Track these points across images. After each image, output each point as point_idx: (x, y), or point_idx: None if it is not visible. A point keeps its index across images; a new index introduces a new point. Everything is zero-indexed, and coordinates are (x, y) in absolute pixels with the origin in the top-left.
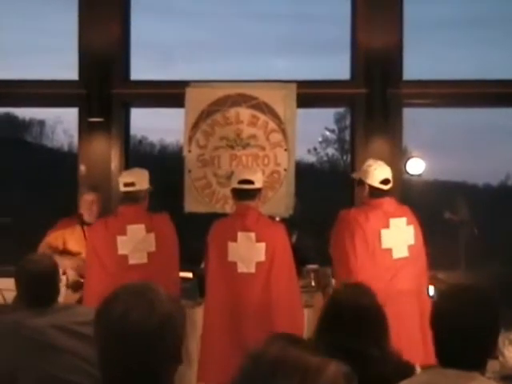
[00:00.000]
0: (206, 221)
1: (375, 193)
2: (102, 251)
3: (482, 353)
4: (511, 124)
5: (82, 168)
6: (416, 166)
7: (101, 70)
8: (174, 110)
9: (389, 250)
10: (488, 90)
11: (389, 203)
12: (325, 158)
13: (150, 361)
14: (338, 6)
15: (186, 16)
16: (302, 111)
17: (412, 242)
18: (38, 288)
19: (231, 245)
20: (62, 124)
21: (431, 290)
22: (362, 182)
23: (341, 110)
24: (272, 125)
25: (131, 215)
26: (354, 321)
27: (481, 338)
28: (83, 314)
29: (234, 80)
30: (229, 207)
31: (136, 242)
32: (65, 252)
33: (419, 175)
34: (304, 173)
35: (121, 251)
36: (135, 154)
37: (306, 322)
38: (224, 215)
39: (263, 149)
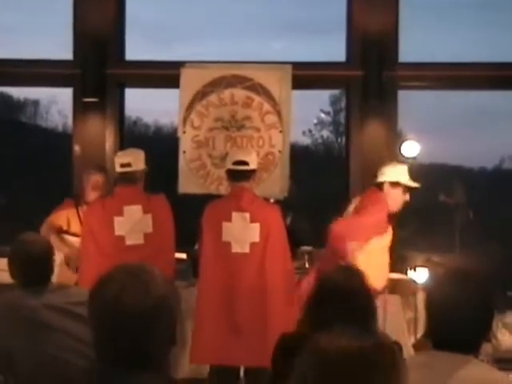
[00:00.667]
0: (200, 202)
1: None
2: (99, 232)
3: (477, 336)
4: (507, 107)
5: (77, 148)
6: (411, 149)
7: (96, 50)
8: (169, 90)
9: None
10: (484, 73)
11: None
12: (320, 140)
13: (143, 342)
14: None
15: None
16: (297, 93)
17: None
18: (32, 268)
19: (225, 225)
20: (56, 104)
21: (425, 273)
22: None
23: (336, 92)
24: (267, 106)
25: (128, 196)
26: (343, 303)
27: (475, 321)
28: (78, 295)
29: (229, 61)
30: (223, 188)
31: (133, 222)
32: (68, 233)
33: (414, 158)
34: (299, 155)
35: (118, 232)
36: (130, 135)
37: None
38: (218, 196)
39: (258, 130)
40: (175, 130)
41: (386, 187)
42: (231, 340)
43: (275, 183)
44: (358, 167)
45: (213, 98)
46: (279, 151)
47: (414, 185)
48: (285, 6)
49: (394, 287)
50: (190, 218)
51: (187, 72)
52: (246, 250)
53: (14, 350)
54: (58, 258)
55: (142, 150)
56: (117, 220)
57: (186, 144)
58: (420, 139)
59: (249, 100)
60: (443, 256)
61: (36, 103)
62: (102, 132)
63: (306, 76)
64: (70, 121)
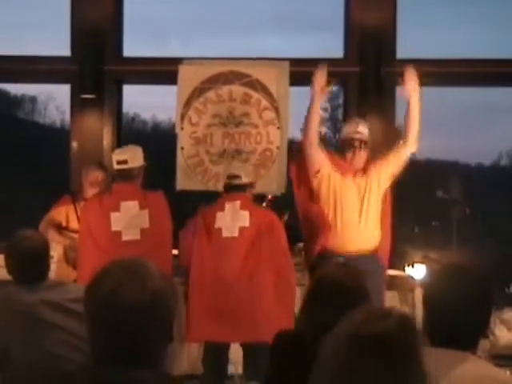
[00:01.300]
0: (197, 198)
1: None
2: (96, 228)
3: (474, 333)
4: (505, 103)
5: (75, 144)
6: None
7: (93, 46)
8: (167, 87)
9: None
10: (482, 69)
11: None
12: None
13: (140, 337)
14: None
15: None
16: (295, 89)
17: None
18: (29, 265)
19: (219, 214)
20: (54, 100)
21: (423, 269)
22: None
23: (334, 88)
24: (265, 103)
25: (125, 192)
26: (340, 300)
27: (473, 318)
28: (74, 291)
29: (227, 57)
30: (221, 185)
31: (129, 218)
32: (67, 229)
33: (412, 154)
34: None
35: (114, 227)
36: (128, 131)
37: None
38: (216, 193)
39: (256, 127)
40: (173, 126)
41: None
42: (222, 319)
43: (273, 179)
44: None
45: (211, 94)
46: (277, 147)
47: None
48: (282, 2)
49: (391, 283)
50: (188, 214)
51: (185, 68)
52: (235, 234)
53: (10, 346)
54: (56, 254)
55: (140, 147)
56: (113, 216)
57: (183, 140)
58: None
59: (247, 96)
60: (440, 252)
61: (34, 99)
62: (99, 128)
63: (303, 72)
64: (67, 117)
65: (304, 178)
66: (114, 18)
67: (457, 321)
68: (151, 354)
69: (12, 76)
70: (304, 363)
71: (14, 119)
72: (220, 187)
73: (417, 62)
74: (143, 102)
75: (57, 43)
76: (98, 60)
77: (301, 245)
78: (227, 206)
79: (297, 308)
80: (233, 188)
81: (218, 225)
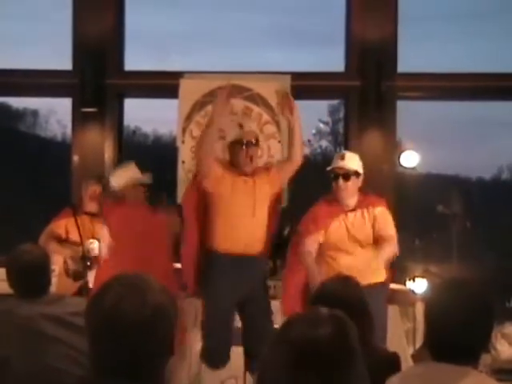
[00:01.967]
0: None
1: None
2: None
3: (476, 347)
4: (505, 117)
5: (76, 158)
6: (410, 159)
7: (95, 60)
8: (168, 100)
9: None
10: (482, 83)
11: None
12: (318, 150)
13: (141, 351)
14: None
15: (180, 6)
16: (295, 103)
17: None
18: (29, 278)
19: None
20: (55, 114)
21: (424, 284)
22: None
23: (335, 102)
24: (266, 117)
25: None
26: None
27: (474, 332)
28: (75, 305)
29: (227, 71)
30: None
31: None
32: (67, 241)
33: (413, 168)
34: None
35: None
36: (129, 145)
37: None
38: None
39: None
40: (174, 140)
41: None
42: None
43: None
44: None
45: (211, 108)
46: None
47: None
48: (283, 17)
49: (392, 298)
50: None
51: (186, 82)
52: None
53: (9, 359)
54: (57, 267)
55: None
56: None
57: (184, 154)
58: (418, 149)
59: (248, 110)
60: (441, 266)
61: (35, 113)
62: (100, 142)
63: (304, 86)
64: (69, 130)
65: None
66: (115, 32)
67: (458, 335)
68: (151, 368)
69: (14, 89)
70: None
71: (15, 132)
72: None
73: (417, 76)
74: (144, 115)
75: (58, 57)
76: (99, 74)
77: None
78: None
79: None
80: None
81: None
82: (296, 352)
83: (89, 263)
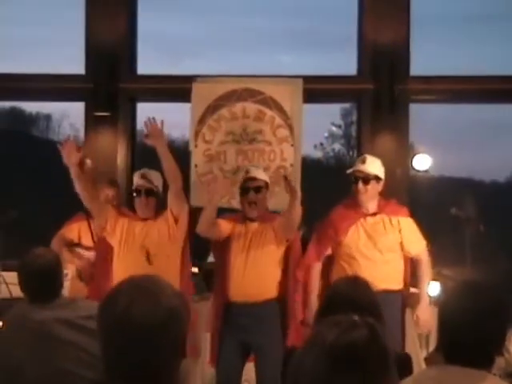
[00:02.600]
0: None
1: None
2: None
3: (490, 350)
4: None
5: (88, 162)
6: (422, 162)
7: (108, 65)
8: (181, 104)
9: None
10: (495, 86)
11: None
12: (331, 154)
13: (153, 355)
14: (345, 1)
15: (193, 11)
16: (308, 106)
17: None
18: (41, 283)
19: None
20: (68, 118)
21: (437, 287)
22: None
23: (347, 105)
24: (278, 120)
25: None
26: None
27: (488, 335)
28: (87, 308)
29: (240, 75)
30: (235, 202)
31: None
32: (79, 245)
33: (426, 171)
34: (310, 168)
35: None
36: (141, 149)
37: None
38: (230, 210)
39: (269, 144)
40: (187, 144)
41: None
42: None
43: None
44: None
45: (224, 111)
46: (291, 165)
47: None
48: (296, 20)
49: (405, 301)
50: None
51: (199, 86)
52: None
53: (23, 363)
54: (70, 271)
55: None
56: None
57: (197, 158)
58: (431, 152)
59: (260, 114)
60: (454, 269)
61: (48, 117)
62: (113, 146)
63: (317, 89)
64: (81, 135)
65: None
66: (127, 36)
67: (472, 338)
68: (164, 371)
69: (27, 94)
70: None
71: (28, 137)
72: (234, 204)
73: (430, 79)
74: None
75: (71, 61)
76: (112, 78)
77: None
78: None
79: None
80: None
81: None
82: (334, 356)
83: None
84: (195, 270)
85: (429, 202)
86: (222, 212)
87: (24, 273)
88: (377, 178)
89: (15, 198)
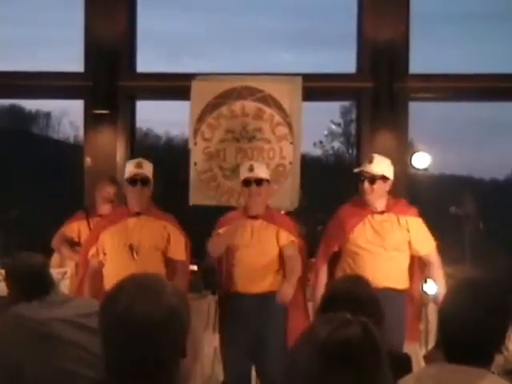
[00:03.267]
0: (210, 214)
1: None
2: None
3: (490, 348)
4: None
5: (88, 160)
6: (422, 160)
7: (107, 63)
8: (180, 102)
9: None
10: (494, 84)
11: None
12: (330, 152)
13: (153, 353)
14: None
15: (192, 9)
16: (307, 104)
17: None
18: (31, 284)
19: None
20: (67, 116)
21: (435, 285)
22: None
23: (347, 103)
24: (278, 118)
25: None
26: (352, 311)
27: (488, 333)
28: (86, 306)
29: (239, 73)
30: (234, 200)
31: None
32: (79, 244)
33: (425, 169)
34: (309, 166)
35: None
36: (141, 147)
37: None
38: (229, 208)
39: (269, 142)
40: (186, 142)
41: None
42: None
43: (286, 195)
44: None
45: (224, 109)
46: (290, 163)
47: None
48: (295, 18)
49: None
50: (200, 230)
51: (198, 84)
52: None
53: (23, 363)
54: (69, 269)
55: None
56: None
57: (196, 156)
58: (431, 150)
59: (260, 112)
60: (454, 267)
61: (48, 115)
62: (113, 143)
63: (316, 87)
64: (81, 132)
65: None
66: (127, 34)
67: (472, 336)
68: (164, 370)
69: (26, 92)
70: None
71: (28, 134)
72: (233, 202)
73: (429, 77)
74: (156, 117)
75: (70, 59)
76: (111, 76)
77: (313, 260)
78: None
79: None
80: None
81: None
82: (327, 353)
83: None
84: (194, 268)
85: (428, 200)
86: (222, 212)
87: (11, 273)
88: (384, 178)
89: (15, 198)
